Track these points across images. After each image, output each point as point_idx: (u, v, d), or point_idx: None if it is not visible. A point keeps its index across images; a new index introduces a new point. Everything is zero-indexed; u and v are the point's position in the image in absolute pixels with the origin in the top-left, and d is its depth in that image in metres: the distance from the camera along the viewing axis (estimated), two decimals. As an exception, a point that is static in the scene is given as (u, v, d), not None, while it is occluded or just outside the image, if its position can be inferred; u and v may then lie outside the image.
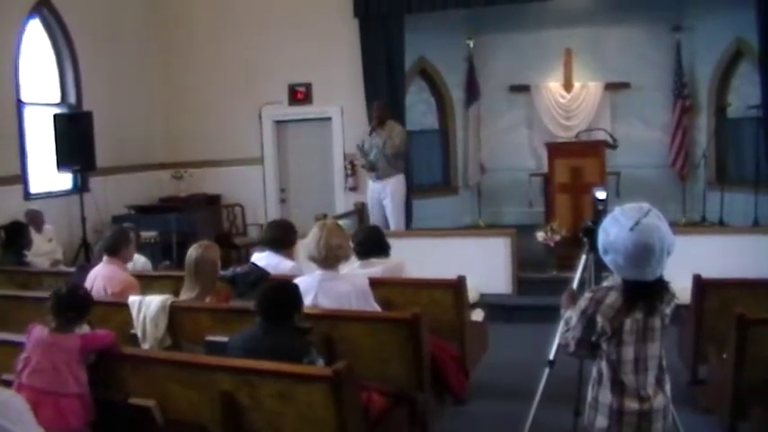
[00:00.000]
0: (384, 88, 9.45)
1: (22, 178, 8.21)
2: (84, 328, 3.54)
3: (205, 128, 10.41)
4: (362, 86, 9.60)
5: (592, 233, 3.33)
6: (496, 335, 5.71)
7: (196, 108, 10.46)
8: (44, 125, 8.47)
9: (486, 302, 6.22)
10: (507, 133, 11.17)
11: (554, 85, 10.86)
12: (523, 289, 7.36)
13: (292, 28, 9.91)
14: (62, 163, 8.35)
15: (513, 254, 7.39)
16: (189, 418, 3.29)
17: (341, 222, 5.13)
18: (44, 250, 7.26)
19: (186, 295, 4.36)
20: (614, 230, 2.55)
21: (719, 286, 4.66)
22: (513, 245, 7.39)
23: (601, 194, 3.72)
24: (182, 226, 8.74)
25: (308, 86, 10.13)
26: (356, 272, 4.65)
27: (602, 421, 2.63)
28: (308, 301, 3.96)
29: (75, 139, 8.23)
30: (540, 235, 7.49)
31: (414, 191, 9.75)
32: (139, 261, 5.91)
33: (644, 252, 2.49)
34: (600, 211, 3.54)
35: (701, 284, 4.68)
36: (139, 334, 4.24)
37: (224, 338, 3.67)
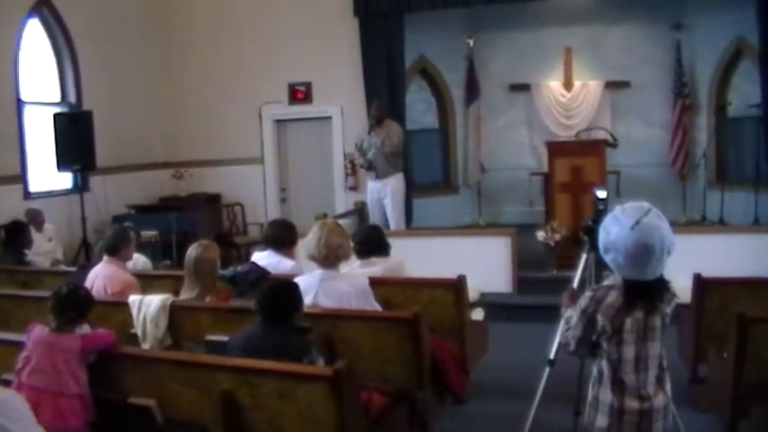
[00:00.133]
0: (384, 87, 9.45)
1: (22, 178, 8.21)
2: (85, 328, 3.53)
3: (205, 127, 10.41)
4: (362, 85, 9.59)
5: (592, 232, 3.33)
6: (497, 334, 5.71)
7: (196, 107, 10.46)
8: (44, 124, 8.47)
9: (487, 302, 6.21)
10: (507, 132, 11.17)
11: (554, 83, 10.85)
12: (524, 288, 7.36)
13: (292, 27, 9.91)
14: (62, 162, 8.35)
15: (514, 253, 7.39)
16: (189, 417, 3.29)
17: (341, 222, 5.13)
18: (44, 249, 7.26)
19: (186, 295, 4.36)
20: (615, 230, 2.55)
21: (720, 285, 4.66)
22: (513, 244, 7.39)
23: (601, 193, 3.72)
24: (182, 225, 8.73)
25: (308, 86, 10.12)
26: (356, 271, 4.65)
27: (602, 420, 2.64)
28: (308, 300, 3.96)
29: (75, 138, 8.23)
30: (541, 234, 7.49)
31: (414, 190, 9.75)
32: (139, 260, 5.91)
33: (644, 251, 2.49)
34: (600, 211, 3.54)
35: (701, 283, 4.67)
36: (139, 333, 4.24)
37: (224, 338, 3.67)
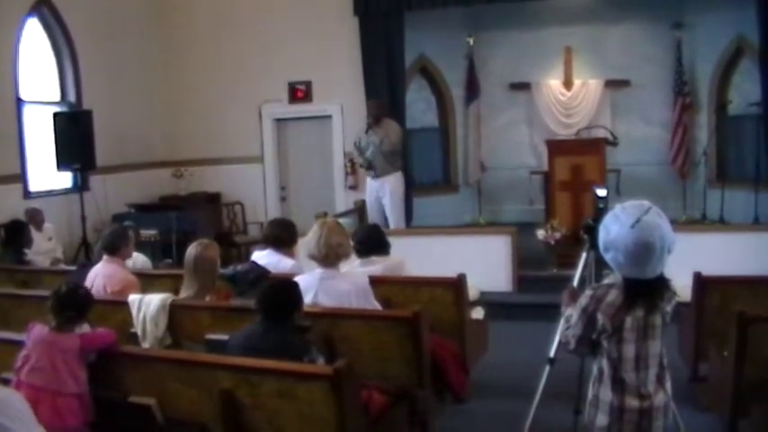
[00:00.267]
0: (384, 86, 9.45)
1: (21, 177, 8.21)
2: (85, 327, 3.53)
3: (205, 126, 10.41)
4: (362, 84, 9.59)
5: (592, 231, 3.33)
6: (497, 333, 5.71)
7: (196, 106, 10.46)
8: (44, 124, 8.47)
9: (487, 300, 6.20)
10: (507, 131, 11.17)
11: (554, 82, 10.85)
12: (524, 287, 7.36)
13: (292, 26, 9.90)
14: (62, 161, 8.34)
15: (514, 252, 7.38)
16: (189, 416, 3.29)
17: (341, 221, 5.13)
18: (44, 249, 7.26)
19: (185, 293, 4.36)
20: (615, 228, 2.55)
21: (720, 284, 4.66)
22: (513, 243, 7.38)
23: (601, 192, 3.72)
24: (182, 224, 8.73)
25: (308, 84, 10.12)
26: (356, 270, 4.65)
27: (602, 419, 2.63)
28: (308, 299, 3.96)
29: (75, 137, 8.22)
30: (541, 233, 7.49)
31: (414, 189, 9.76)
32: (139, 259, 5.90)
33: (644, 250, 2.49)
34: (600, 209, 3.54)
35: (701, 282, 4.67)
36: (139, 333, 4.24)
37: (224, 337, 3.67)
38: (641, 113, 10.63)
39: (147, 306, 4.25)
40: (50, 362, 3.34)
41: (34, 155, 8.47)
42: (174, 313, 4.24)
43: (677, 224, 7.56)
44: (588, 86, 10.71)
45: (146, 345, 4.18)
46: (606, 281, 2.69)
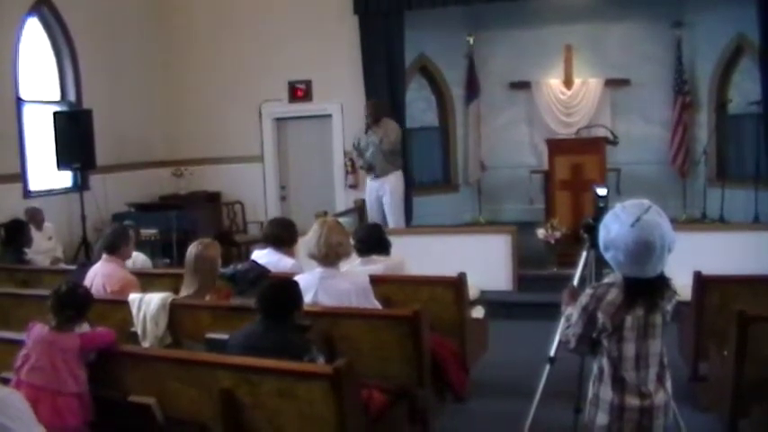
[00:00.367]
0: (384, 85, 9.44)
1: (21, 176, 8.20)
2: (84, 327, 3.53)
3: (205, 125, 10.41)
4: (362, 83, 9.59)
5: (592, 230, 3.33)
6: (497, 332, 5.71)
7: (196, 106, 10.46)
8: (44, 123, 8.46)
9: (487, 299, 6.20)
10: (507, 130, 11.17)
11: (554, 81, 10.84)
12: (524, 286, 7.35)
13: (292, 25, 9.90)
14: (62, 161, 8.34)
15: (514, 251, 7.38)
16: (189, 415, 3.29)
17: (341, 220, 5.13)
18: (44, 248, 7.26)
19: (185, 292, 4.36)
20: (615, 227, 2.55)
21: (720, 283, 4.66)
22: (513, 242, 7.38)
23: (601, 191, 3.72)
24: (182, 224, 8.73)
25: (308, 84, 10.12)
26: (357, 269, 4.65)
27: (602, 418, 2.63)
28: (308, 298, 3.96)
29: (75, 136, 8.22)
30: (541, 232, 7.49)
31: (414, 188, 9.77)
32: (139, 259, 5.90)
33: (644, 249, 2.49)
34: (600, 208, 3.53)
35: (701, 281, 4.67)
36: (139, 332, 4.24)
37: (224, 336, 3.67)
38: (641, 112, 10.63)
39: (148, 305, 4.25)
40: (50, 361, 3.34)
41: (34, 154, 8.47)
42: (175, 312, 4.24)
43: (677, 223, 7.53)
44: (588, 85, 10.71)
45: (146, 344, 4.18)
46: (606, 280, 2.69)
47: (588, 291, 2.69)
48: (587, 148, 7.97)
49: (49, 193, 8.64)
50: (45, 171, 8.58)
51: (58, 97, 9.03)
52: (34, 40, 8.64)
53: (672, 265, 2.63)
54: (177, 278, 4.73)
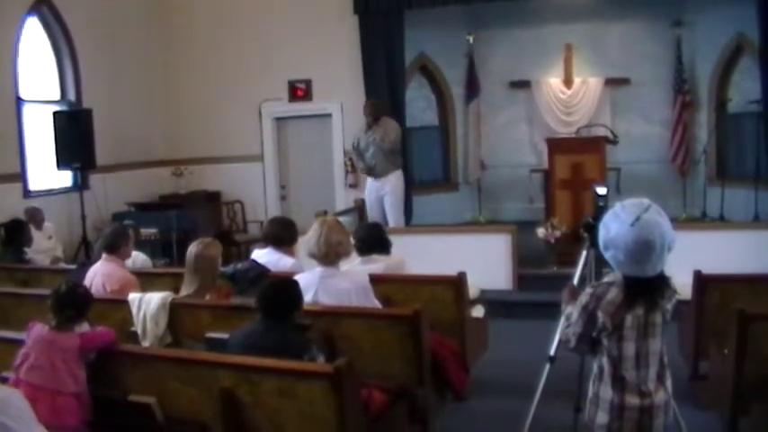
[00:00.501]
0: (384, 84, 9.44)
1: (21, 176, 8.20)
2: (84, 326, 3.53)
3: (205, 125, 10.40)
4: (362, 83, 9.58)
5: (592, 229, 3.33)
6: (497, 331, 5.71)
7: (196, 105, 10.46)
8: (44, 123, 8.46)
9: (487, 299, 6.20)
10: (507, 129, 11.16)
11: (554, 80, 10.84)
12: (524, 285, 7.36)
13: (292, 25, 9.89)
14: (62, 160, 8.34)
15: (514, 250, 7.38)
16: (189, 415, 3.29)
17: (341, 219, 5.13)
18: (44, 248, 7.26)
19: (185, 292, 4.36)
20: (615, 226, 2.55)
21: (720, 282, 4.66)
22: (513, 241, 7.38)
23: (601, 190, 3.72)
24: (182, 223, 8.73)
25: (308, 83, 10.12)
26: (357, 268, 4.65)
27: (602, 417, 2.63)
28: (308, 297, 3.96)
29: (74, 136, 8.22)
30: (541, 231, 7.49)
31: (414, 187, 9.77)
32: (139, 258, 5.90)
33: (644, 248, 2.49)
34: (600, 207, 3.53)
35: (701, 280, 4.67)
36: (139, 331, 4.24)
37: (224, 335, 3.67)
38: (641, 111, 10.63)
39: (148, 305, 4.25)
40: (49, 361, 3.34)
41: (34, 154, 8.47)
42: (175, 312, 4.24)
43: (677, 222, 7.51)
44: (588, 84, 10.71)
45: (146, 343, 4.18)
46: (606, 279, 2.69)
47: (588, 290, 2.69)
48: (587, 148, 7.96)
49: (49, 192, 8.64)
50: (45, 171, 8.58)
51: (57, 97, 9.03)
52: (34, 40, 8.64)
53: (672, 264, 2.63)
54: (177, 277, 4.74)
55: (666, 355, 2.68)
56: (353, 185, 9.90)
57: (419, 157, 10.51)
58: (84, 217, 8.38)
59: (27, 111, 8.43)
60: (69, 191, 8.82)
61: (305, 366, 3.15)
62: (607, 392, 2.62)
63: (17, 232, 6.69)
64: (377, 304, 4.25)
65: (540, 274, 7.38)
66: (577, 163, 7.70)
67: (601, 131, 8.79)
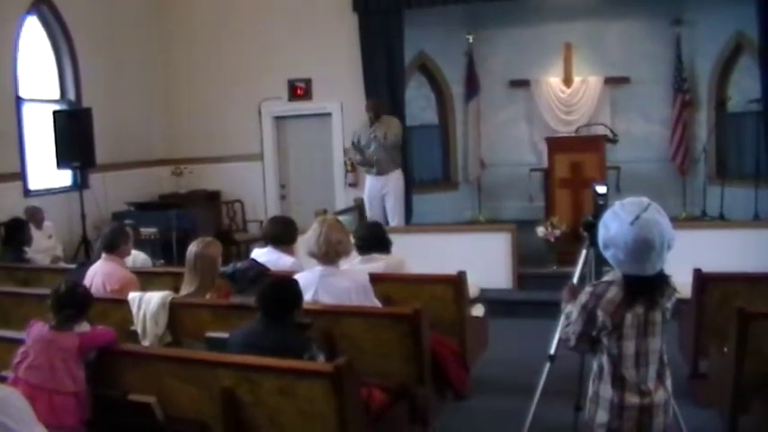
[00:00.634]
0: (384, 83, 9.44)
1: (21, 175, 8.21)
2: (84, 326, 3.52)
3: (205, 124, 10.40)
4: (362, 82, 9.58)
5: (592, 228, 3.33)
6: (497, 330, 5.71)
7: (196, 104, 10.46)
8: (43, 122, 8.46)
9: (487, 298, 6.21)
10: (507, 128, 11.16)
11: (554, 79, 10.84)
12: (524, 284, 7.36)
13: (292, 24, 9.89)
14: (62, 160, 8.34)
15: (514, 249, 7.38)
16: (189, 414, 3.29)
17: (341, 218, 5.13)
18: (44, 247, 7.26)
19: (185, 291, 4.36)
20: (614, 225, 2.55)
21: (720, 281, 4.66)
22: (513, 240, 7.39)
23: (601, 189, 3.72)
24: (182, 222, 8.73)
25: (308, 82, 10.11)
26: (357, 267, 4.65)
27: (602, 416, 2.64)
28: (308, 296, 3.96)
29: (74, 135, 8.21)
30: (541, 230, 7.49)
31: (414, 186, 9.77)
32: (139, 257, 5.89)
33: (644, 247, 2.49)
34: (600, 206, 3.54)
35: (701, 279, 4.67)
36: (139, 331, 4.24)
37: (224, 334, 3.67)
38: (641, 110, 10.63)
39: (148, 304, 4.25)
40: (48, 360, 3.34)
41: (34, 153, 8.47)
42: (175, 311, 4.24)
43: (677, 221, 7.59)
44: (588, 83, 10.71)
45: (146, 343, 4.18)
46: (606, 278, 2.69)
47: (588, 289, 2.69)
48: (587, 146, 7.97)
49: (49, 191, 8.64)
50: (45, 170, 8.58)
51: (57, 96, 9.03)
52: (34, 39, 8.64)
53: (672, 263, 2.63)
54: (177, 277, 4.74)
55: (666, 354, 2.69)
56: (353, 184, 9.90)
57: (419, 155, 10.51)
58: (83, 216, 8.38)
59: (27, 110, 8.43)
60: (69, 190, 8.82)
61: (305, 365, 3.15)
62: (607, 391, 2.62)
63: (17, 231, 6.69)
64: (377, 303, 4.25)
65: (540, 272, 7.39)
66: (577, 162, 7.70)
67: (600, 130, 8.80)
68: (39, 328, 3.45)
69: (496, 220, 10.26)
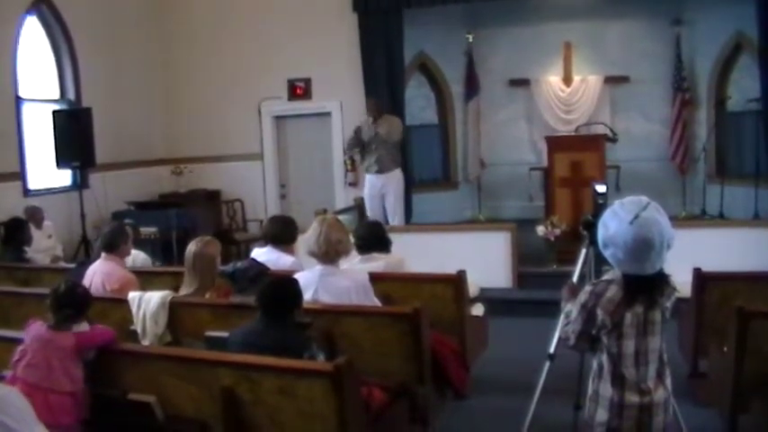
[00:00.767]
0: (383, 83, 9.44)
1: (21, 175, 8.20)
2: (83, 326, 3.52)
3: (204, 123, 10.40)
4: (362, 81, 9.58)
5: (592, 227, 3.33)
6: (497, 329, 5.71)
7: (195, 103, 10.46)
8: (43, 121, 8.46)
9: (487, 297, 6.21)
10: (507, 127, 11.16)
11: (554, 78, 10.84)
12: (524, 283, 7.37)
13: (292, 23, 9.89)
14: (61, 159, 8.33)
15: (514, 248, 7.39)
16: (189, 413, 3.29)
17: (341, 218, 5.13)
18: (44, 246, 7.26)
19: (185, 290, 4.37)
20: (614, 224, 2.55)
21: (720, 280, 4.66)
22: (513, 239, 7.39)
23: (601, 188, 3.72)
24: (182, 222, 8.73)
25: (308, 82, 10.11)
26: (357, 267, 4.65)
27: (602, 414, 2.64)
28: (308, 296, 3.96)
29: (74, 135, 8.21)
30: (541, 229, 7.50)
31: (414, 185, 9.78)
32: (139, 257, 5.90)
33: (643, 246, 2.49)
34: (600, 205, 3.54)
35: (701, 278, 4.68)
36: (139, 330, 4.24)
37: (224, 334, 3.67)
38: (641, 109, 10.63)
39: (147, 303, 4.25)
40: (45, 359, 3.34)
41: (34, 153, 8.47)
42: (174, 310, 4.24)
43: (677, 220, 7.60)
44: (588, 83, 10.71)
45: (146, 342, 4.19)
46: (606, 277, 2.69)
47: (587, 288, 2.69)
48: (587, 146, 7.97)
49: (49, 191, 8.63)
50: (44, 169, 8.58)
51: (57, 96, 9.03)
52: (33, 39, 8.63)
53: (671, 262, 2.63)
54: (177, 276, 4.74)
55: (666, 353, 2.69)
56: (353, 184, 9.89)
57: (419, 155, 10.52)
58: (83, 216, 8.38)
59: (26, 109, 8.43)
60: (69, 190, 8.82)
61: (305, 365, 3.15)
62: (607, 390, 2.62)
63: (17, 231, 6.69)
64: (377, 302, 4.25)
65: (540, 272, 7.39)
66: (577, 161, 7.70)
67: (600, 129, 8.80)
68: (37, 328, 3.45)
69: (496, 220, 10.26)
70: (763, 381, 3.73)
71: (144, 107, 10.20)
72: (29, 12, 8.43)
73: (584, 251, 3.71)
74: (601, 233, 2.62)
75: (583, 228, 3.72)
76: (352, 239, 4.56)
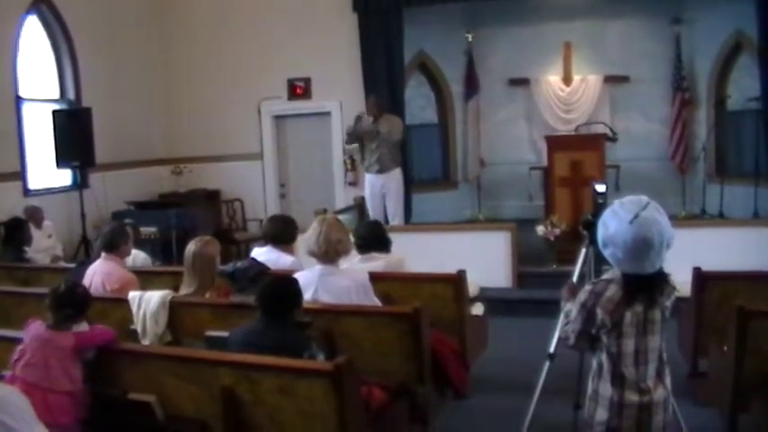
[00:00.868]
0: (383, 82, 9.44)
1: (21, 175, 8.20)
2: (83, 325, 3.52)
3: (204, 123, 10.40)
4: (362, 81, 9.58)
5: (592, 226, 3.33)
6: (497, 329, 5.71)
7: (195, 103, 10.46)
8: (43, 121, 8.46)
9: (487, 296, 6.21)
10: (507, 127, 11.17)
11: (553, 78, 10.84)
12: (523, 283, 7.37)
13: (292, 23, 9.89)
14: (61, 159, 8.33)
15: (513, 248, 7.39)
16: (189, 413, 3.29)
17: (341, 217, 5.13)
18: (44, 246, 7.26)
19: (184, 290, 4.37)
20: (613, 224, 2.55)
21: (719, 279, 4.66)
22: (512, 239, 7.39)
23: (600, 188, 3.73)
24: (181, 221, 8.74)
25: (308, 81, 10.11)
26: (357, 266, 4.65)
27: (602, 414, 2.64)
28: (308, 295, 3.96)
29: (74, 135, 8.21)
30: (540, 229, 7.50)
31: (413, 185, 9.77)
32: (139, 257, 5.90)
33: (643, 245, 2.49)
34: (600, 205, 3.54)
35: (701, 277, 4.68)
36: (139, 330, 4.24)
37: (224, 333, 3.67)
38: (640, 109, 10.63)
39: (147, 303, 4.25)
40: (44, 359, 3.34)
41: (33, 152, 8.47)
42: (174, 310, 4.24)
43: (677, 219, 7.61)
44: (587, 82, 10.71)
45: (146, 342, 4.19)
46: (605, 276, 2.69)
47: (587, 287, 2.70)
48: (587, 145, 7.97)
49: (49, 191, 8.64)
50: (44, 169, 8.58)
51: (57, 95, 9.03)
52: (33, 39, 8.63)
53: (671, 262, 2.63)
54: (177, 276, 4.74)
55: (666, 352, 2.69)
56: (353, 183, 9.90)
57: (418, 154, 10.52)
58: (83, 215, 8.38)
59: (26, 109, 8.43)
60: (69, 189, 8.82)
61: (305, 364, 3.15)
62: (606, 389, 2.62)
63: (17, 231, 6.69)
64: (376, 302, 4.25)
65: (540, 271, 7.39)
66: (577, 160, 7.70)
67: (600, 129, 8.79)
68: (36, 327, 3.46)
69: (496, 219, 10.26)
70: (763, 380, 3.73)
71: (144, 107, 10.20)
72: (29, 12, 8.43)
73: (583, 251, 3.71)
74: (600, 233, 2.62)
75: (582, 227, 3.72)
76: (351, 239, 4.56)
